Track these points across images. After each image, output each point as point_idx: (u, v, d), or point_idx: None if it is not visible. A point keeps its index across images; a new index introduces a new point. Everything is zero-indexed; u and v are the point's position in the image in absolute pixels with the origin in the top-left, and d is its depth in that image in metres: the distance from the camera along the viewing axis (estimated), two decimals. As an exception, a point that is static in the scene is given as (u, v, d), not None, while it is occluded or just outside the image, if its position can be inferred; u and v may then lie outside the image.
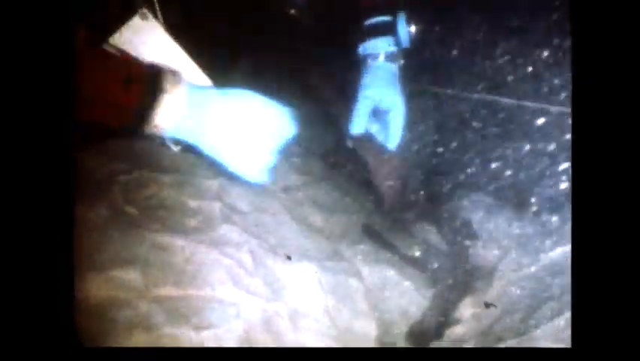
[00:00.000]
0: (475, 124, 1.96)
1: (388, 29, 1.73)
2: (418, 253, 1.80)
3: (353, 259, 1.70)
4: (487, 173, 1.89)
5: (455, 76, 2.10)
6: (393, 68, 1.73)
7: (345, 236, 1.78)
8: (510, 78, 1.94)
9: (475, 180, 1.91)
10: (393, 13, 1.74)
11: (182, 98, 1.34)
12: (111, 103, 1.30)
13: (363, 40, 1.76)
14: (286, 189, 1.80)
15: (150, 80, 1.32)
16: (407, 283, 1.70)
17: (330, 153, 2.08)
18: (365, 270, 1.68)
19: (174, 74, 1.36)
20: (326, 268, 1.56)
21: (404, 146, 1.83)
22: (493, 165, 1.90)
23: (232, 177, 1.52)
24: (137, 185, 1.52)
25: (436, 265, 1.79)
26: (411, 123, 1.88)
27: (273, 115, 1.44)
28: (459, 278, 1.73)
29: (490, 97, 1.98)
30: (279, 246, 1.53)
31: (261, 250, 1.48)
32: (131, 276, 1.26)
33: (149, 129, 1.38)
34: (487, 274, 1.67)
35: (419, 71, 2.04)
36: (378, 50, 1.73)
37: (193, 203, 1.53)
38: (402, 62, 1.76)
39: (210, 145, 1.42)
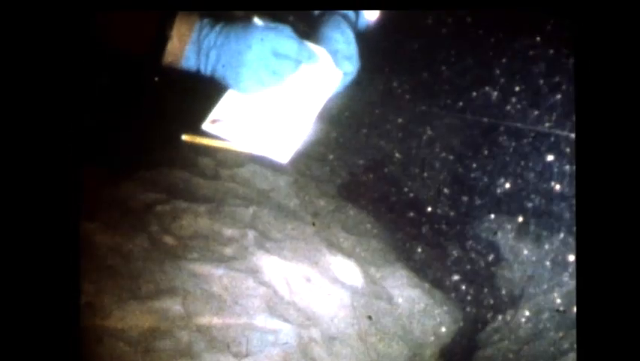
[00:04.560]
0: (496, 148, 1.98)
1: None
2: (446, 276, 1.82)
3: (383, 282, 1.72)
4: (512, 196, 1.91)
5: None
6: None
7: (375, 260, 1.80)
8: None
9: (500, 203, 1.93)
10: None
11: (194, 30, 1.31)
12: (134, 32, 1.31)
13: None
14: (316, 214, 1.84)
15: (162, 15, 1.31)
16: (437, 306, 1.73)
17: (357, 176, 2.11)
18: (396, 293, 1.71)
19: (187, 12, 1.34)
20: (358, 292, 1.59)
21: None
22: (518, 188, 1.92)
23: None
24: (174, 215, 1.57)
25: (464, 288, 1.81)
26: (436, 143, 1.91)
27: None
28: (487, 301, 1.75)
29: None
30: (312, 272, 1.57)
31: (295, 277, 1.51)
32: (172, 306, 1.30)
33: (168, 60, 1.34)
34: (516, 297, 1.69)
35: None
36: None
37: (227, 231, 1.57)
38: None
39: (225, 78, 1.32)
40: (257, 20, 1.30)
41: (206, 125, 1.34)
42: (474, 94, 2.20)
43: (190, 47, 1.30)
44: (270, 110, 1.33)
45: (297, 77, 1.34)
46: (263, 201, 1.72)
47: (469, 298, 1.78)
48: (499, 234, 1.86)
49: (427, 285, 1.79)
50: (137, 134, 1.80)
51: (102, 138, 1.75)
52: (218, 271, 1.42)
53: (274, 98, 1.33)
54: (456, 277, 1.83)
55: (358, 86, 2.28)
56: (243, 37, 1.27)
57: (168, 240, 1.50)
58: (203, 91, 1.36)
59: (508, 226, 1.88)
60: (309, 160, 2.06)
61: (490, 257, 1.84)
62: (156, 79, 1.57)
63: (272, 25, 1.31)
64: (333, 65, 1.39)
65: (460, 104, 2.22)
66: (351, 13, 1.60)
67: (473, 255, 1.87)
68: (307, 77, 1.35)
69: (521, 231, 1.87)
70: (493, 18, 2.13)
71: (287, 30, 1.32)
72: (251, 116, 1.33)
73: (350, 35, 1.50)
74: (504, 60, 2.12)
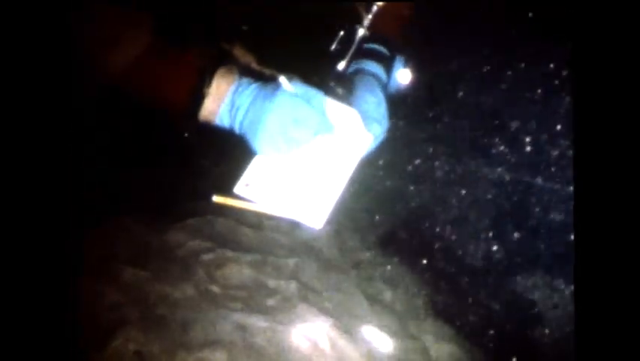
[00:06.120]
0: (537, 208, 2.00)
1: (383, 59, 1.68)
2: (483, 331, 1.83)
3: (421, 336, 1.74)
4: (553, 254, 1.92)
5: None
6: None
7: (414, 313, 1.82)
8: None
9: (541, 261, 1.94)
10: (394, 52, 1.71)
11: (231, 89, 1.34)
12: (172, 87, 1.35)
13: (357, 58, 1.68)
14: (357, 266, 1.86)
15: (202, 70, 1.34)
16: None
17: (397, 228, 2.14)
18: (433, 348, 1.72)
19: (228, 67, 1.36)
20: (397, 346, 1.61)
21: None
22: (559, 246, 1.92)
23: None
24: (219, 264, 1.60)
25: (502, 344, 1.81)
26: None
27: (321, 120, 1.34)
28: (525, 359, 1.75)
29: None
30: (352, 325, 1.59)
31: (336, 330, 1.53)
32: (219, 358, 1.33)
33: (204, 115, 1.36)
34: (554, 355, 1.69)
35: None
36: (368, 67, 1.66)
37: (271, 282, 1.60)
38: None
39: (245, 136, 1.34)
40: (286, 83, 1.30)
41: (238, 189, 1.35)
42: (508, 150, 2.23)
43: (225, 105, 1.34)
44: (301, 174, 1.36)
45: (328, 140, 1.36)
46: (305, 252, 1.76)
47: (507, 354, 1.78)
48: (539, 291, 1.87)
49: (464, 340, 1.80)
50: (175, 187, 1.86)
51: (146, 187, 1.81)
52: (261, 323, 1.45)
53: (305, 162, 1.36)
54: (493, 333, 1.83)
55: (399, 140, 2.33)
56: (269, 99, 1.28)
57: (214, 289, 1.54)
58: (237, 151, 1.39)
59: (547, 283, 1.88)
60: (351, 211, 2.10)
61: (529, 314, 1.84)
62: (186, 135, 1.62)
63: (302, 89, 1.32)
64: (363, 128, 1.41)
65: (497, 161, 2.25)
66: (383, 75, 1.62)
67: (512, 311, 1.87)
68: (337, 141, 1.37)
69: (561, 289, 1.87)
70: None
71: (316, 98, 1.32)
72: (283, 179, 1.35)
73: (380, 97, 1.52)
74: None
